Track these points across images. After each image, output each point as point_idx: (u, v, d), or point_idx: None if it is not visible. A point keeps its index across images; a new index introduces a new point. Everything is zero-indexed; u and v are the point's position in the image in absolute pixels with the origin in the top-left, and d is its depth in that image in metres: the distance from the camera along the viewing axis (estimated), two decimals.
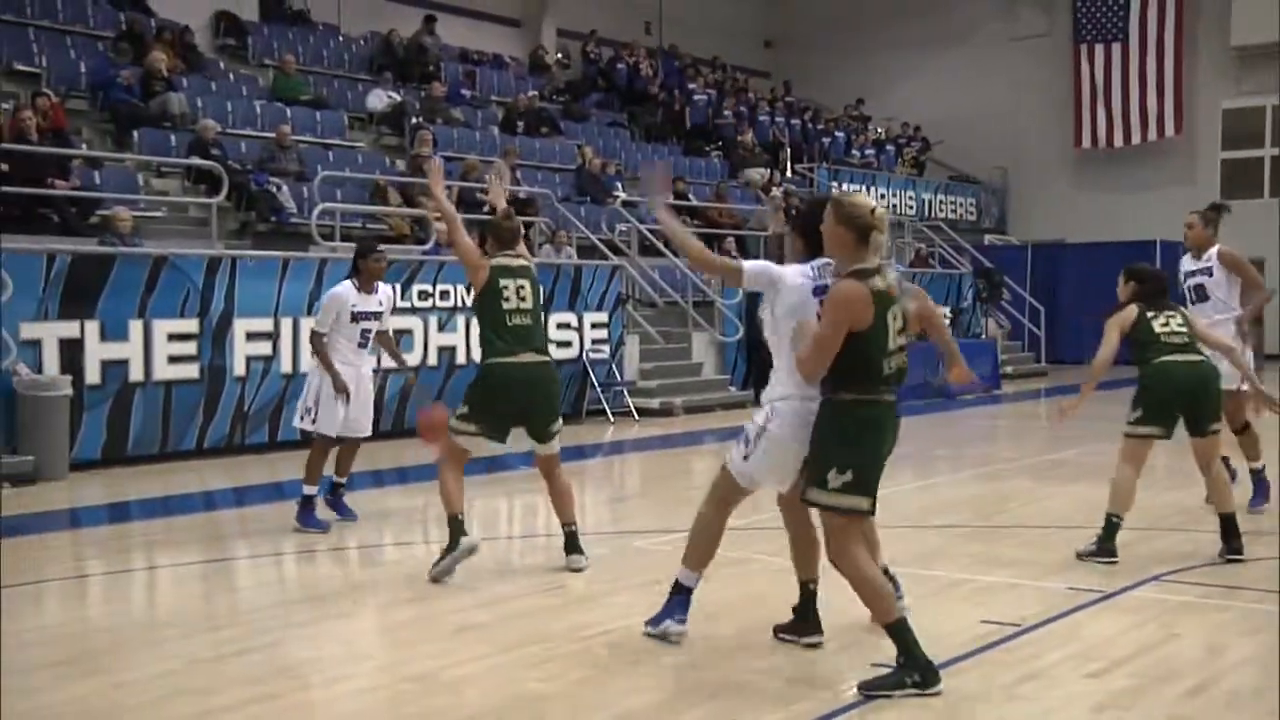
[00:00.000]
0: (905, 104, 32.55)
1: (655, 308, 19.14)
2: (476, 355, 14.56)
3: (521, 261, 7.63)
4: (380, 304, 9.00)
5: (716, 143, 26.97)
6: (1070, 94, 31.61)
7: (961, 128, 31.50)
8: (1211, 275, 9.79)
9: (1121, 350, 7.81)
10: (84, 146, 16.05)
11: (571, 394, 16.19)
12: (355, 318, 8.89)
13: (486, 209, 18.15)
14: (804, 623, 5.81)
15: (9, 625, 6.30)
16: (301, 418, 9.11)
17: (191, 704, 5.01)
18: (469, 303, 7.83)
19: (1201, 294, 9.83)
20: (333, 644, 6.02)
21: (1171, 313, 7.83)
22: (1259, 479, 9.28)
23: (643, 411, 16.56)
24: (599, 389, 16.24)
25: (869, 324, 5.08)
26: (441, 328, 14.67)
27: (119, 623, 6.67)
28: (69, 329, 11.62)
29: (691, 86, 27.77)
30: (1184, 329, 7.77)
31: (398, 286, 9.37)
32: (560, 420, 7.61)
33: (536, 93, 24.22)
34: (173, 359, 12.30)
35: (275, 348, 13.06)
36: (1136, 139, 30.89)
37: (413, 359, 14.18)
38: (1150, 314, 7.76)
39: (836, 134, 29.64)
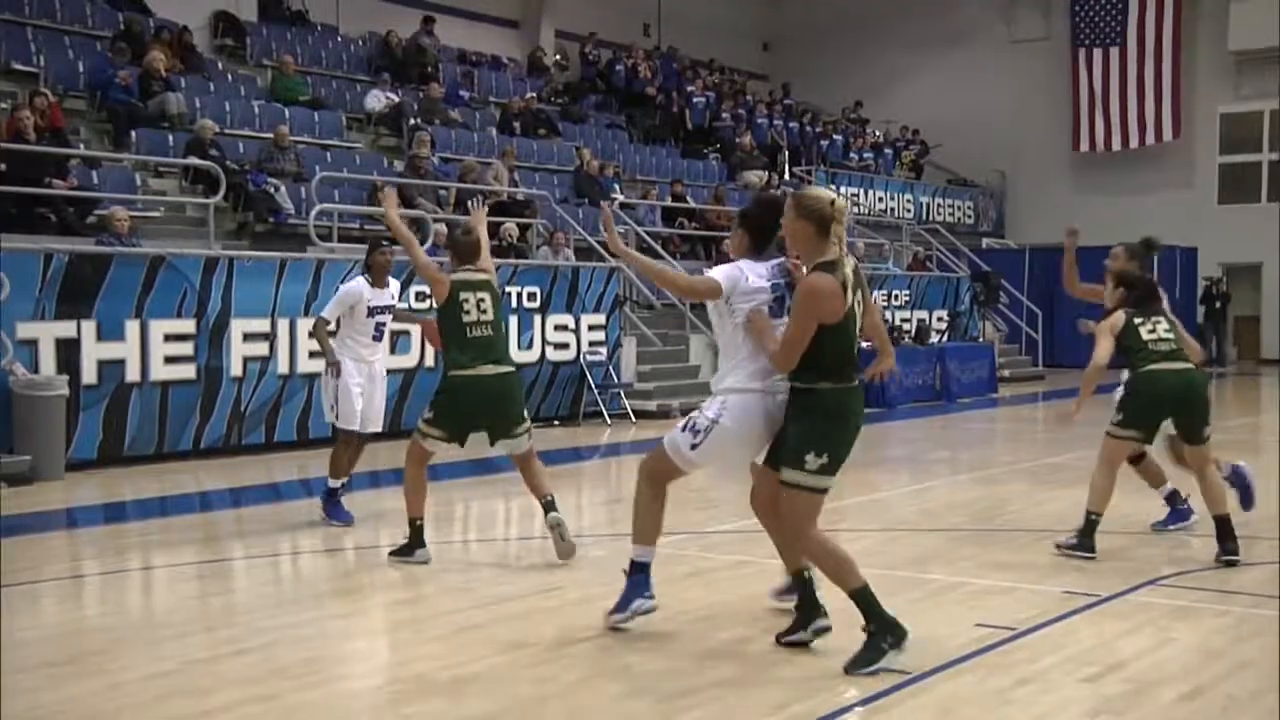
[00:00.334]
0: (904, 107, 32.59)
1: (652, 310, 19.16)
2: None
3: (482, 275, 7.83)
4: (392, 297, 9.21)
5: (715, 145, 26.99)
6: (1068, 98, 31.66)
7: (960, 131, 31.53)
8: None
9: (1117, 355, 7.84)
10: (82, 146, 16.05)
11: (569, 396, 16.21)
12: (370, 312, 9.05)
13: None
14: (810, 611, 5.76)
15: (5, 625, 6.30)
16: (330, 410, 9.20)
17: (188, 704, 5.02)
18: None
19: None
20: (329, 644, 6.02)
21: (1159, 319, 7.87)
22: (1175, 502, 8.72)
23: (640, 413, 16.57)
24: (596, 391, 16.25)
25: (839, 315, 5.29)
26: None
27: (115, 623, 6.67)
28: (66, 329, 11.62)
29: (690, 88, 27.79)
30: (1170, 335, 7.82)
31: (397, 283, 9.43)
32: (527, 421, 7.85)
33: (535, 94, 24.23)
34: (169, 359, 12.30)
35: (272, 348, 13.06)
36: (1135, 143, 30.94)
37: (409, 360, 14.21)
38: (1138, 320, 7.81)
39: (835, 137, 29.67)
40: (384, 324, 9.15)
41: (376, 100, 21.08)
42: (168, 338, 12.29)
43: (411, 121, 20.41)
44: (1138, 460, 8.51)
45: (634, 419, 16.39)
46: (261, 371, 12.98)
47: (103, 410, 11.84)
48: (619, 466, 13.51)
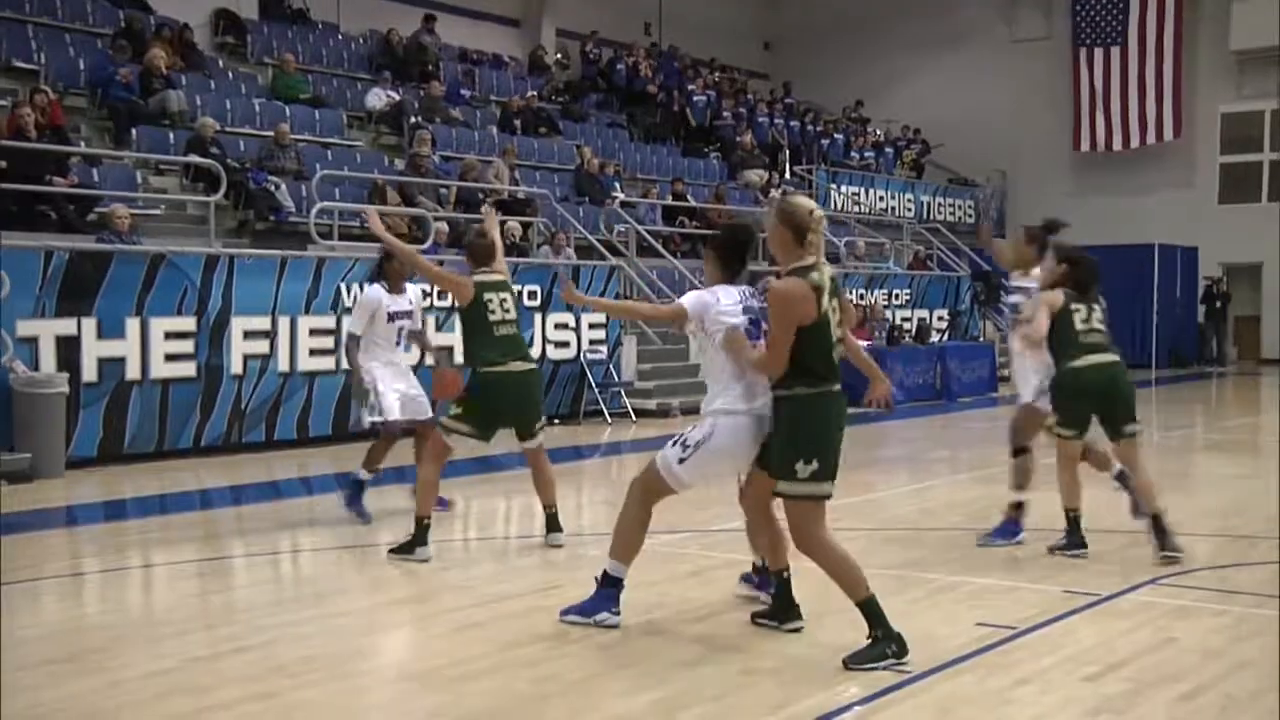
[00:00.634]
0: (904, 106, 32.58)
1: None
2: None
3: (500, 276, 8.08)
4: (410, 302, 9.22)
5: (715, 144, 27.00)
6: (1069, 97, 31.66)
7: (960, 130, 31.51)
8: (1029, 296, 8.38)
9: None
10: (82, 144, 16.05)
11: (569, 395, 16.21)
12: (391, 317, 9.13)
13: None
14: (785, 609, 5.98)
15: (6, 622, 6.30)
16: (370, 411, 9.14)
17: (187, 702, 5.02)
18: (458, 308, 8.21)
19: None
20: (329, 642, 6.02)
21: (1095, 306, 7.72)
22: (1015, 514, 8.32)
23: (640, 412, 16.57)
24: (596, 390, 16.25)
25: (814, 318, 5.37)
26: (440, 327, 14.65)
27: (115, 620, 6.68)
28: (66, 326, 11.62)
29: (691, 87, 27.79)
30: (1101, 326, 7.71)
31: (417, 289, 9.47)
32: (544, 418, 8.21)
33: (535, 93, 24.23)
34: (170, 357, 12.30)
35: (273, 346, 13.06)
36: (1135, 143, 30.94)
37: (410, 357, 14.16)
38: (1074, 306, 7.62)
39: (836, 136, 29.67)
40: (404, 328, 9.22)
41: (377, 99, 21.08)
42: (168, 335, 12.29)
43: (412, 120, 20.41)
44: (1018, 453, 8.34)
45: (634, 418, 16.39)
46: (262, 369, 12.98)
47: (103, 408, 11.85)
48: (619, 465, 13.52)
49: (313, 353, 13.30)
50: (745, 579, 6.61)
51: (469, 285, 7.88)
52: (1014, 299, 8.55)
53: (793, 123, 29.07)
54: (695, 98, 27.43)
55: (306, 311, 13.31)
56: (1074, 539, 7.74)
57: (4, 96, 15.87)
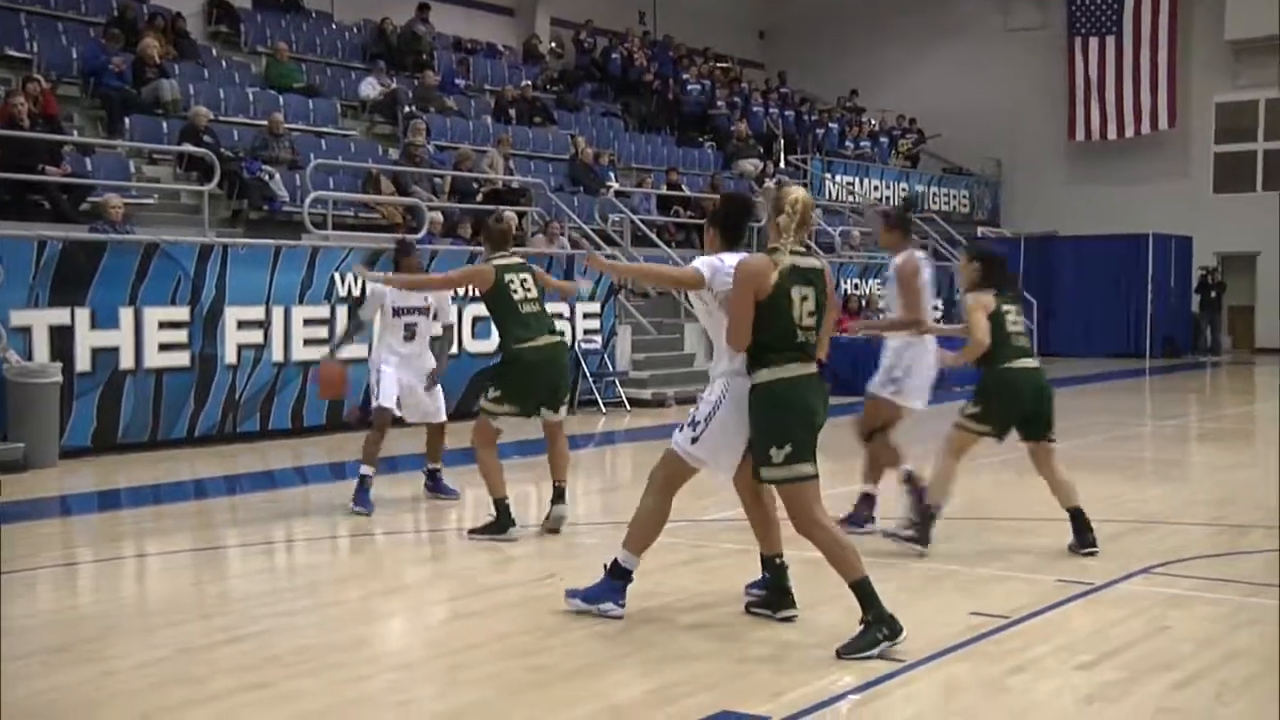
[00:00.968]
0: (899, 96, 32.56)
1: (648, 298, 19.16)
2: (469, 344, 14.72)
3: (517, 259, 8.31)
4: (426, 299, 9.19)
5: (710, 133, 26.96)
6: (1064, 87, 31.65)
7: (955, 120, 31.49)
8: (885, 285, 8.40)
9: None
10: (75, 133, 16.01)
11: None
12: (396, 313, 9.18)
13: (479, 198, 18.16)
14: (779, 597, 6.02)
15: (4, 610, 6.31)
16: (374, 398, 9.24)
17: (181, 692, 5.02)
18: (477, 296, 8.41)
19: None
20: (323, 633, 6.02)
21: (1017, 306, 7.67)
22: (866, 502, 8.24)
23: (635, 402, 16.58)
24: (591, 379, 16.24)
25: (769, 291, 5.47)
26: (434, 317, 14.63)
27: (109, 610, 6.67)
28: (59, 316, 11.60)
29: (685, 77, 27.74)
30: (1023, 329, 7.65)
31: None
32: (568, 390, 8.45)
33: (530, 82, 24.19)
34: (164, 347, 12.28)
35: (267, 336, 13.04)
36: (1130, 132, 30.94)
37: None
38: (1005, 308, 7.53)
39: (830, 125, 29.64)
40: (414, 325, 9.22)
41: (371, 88, 21.03)
42: (162, 325, 12.26)
43: (406, 109, 20.37)
44: (870, 437, 8.17)
45: (629, 407, 16.40)
46: (256, 359, 12.96)
47: (97, 398, 11.83)
48: (614, 455, 13.52)
49: (307, 342, 13.27)
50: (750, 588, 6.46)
51: (487, 271, 8.07)
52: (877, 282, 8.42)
53: (788, 112, 29.05)
54: (690, 87, 27.40)
55: (301, 301, 13.29)
56: (923, 534, 7.46)
57: None
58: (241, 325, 12.84)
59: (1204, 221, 28.80)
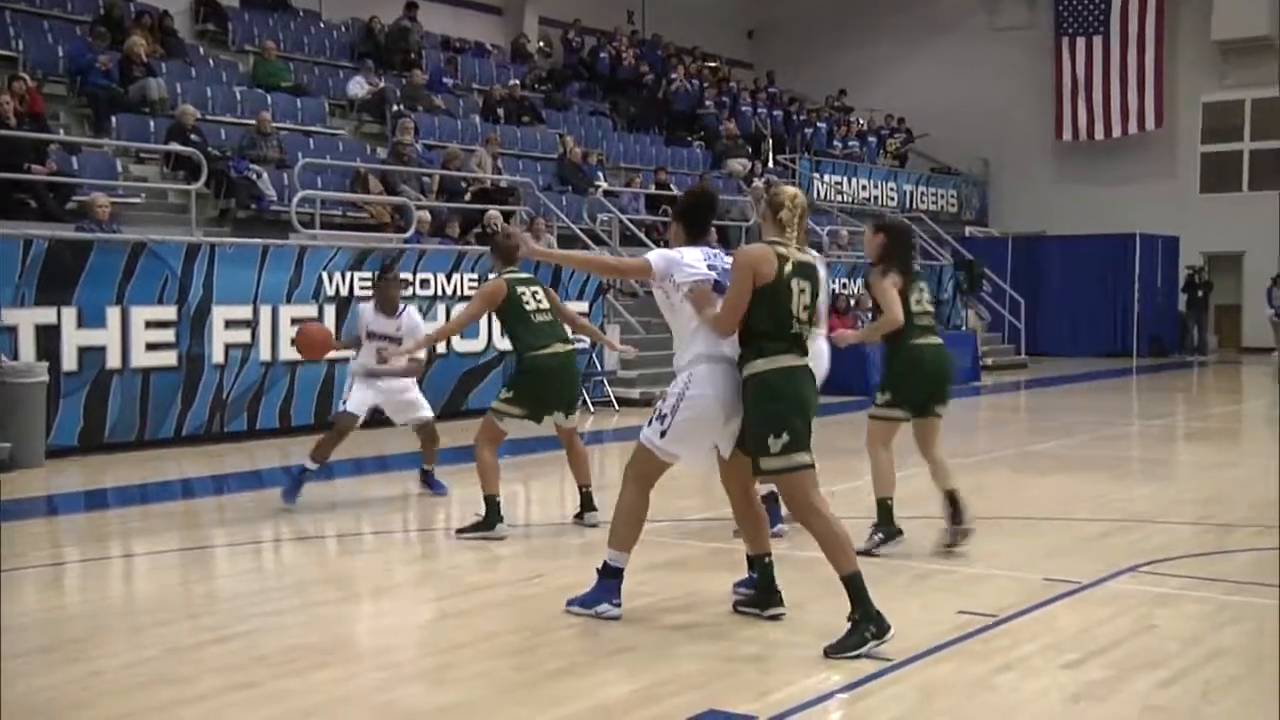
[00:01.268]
0: (888, 95, 32.62)
1: (636, 297, 19.14)
2: (459, 345, 14.71)
3: (526, 274, 8.54)
4: (399, 329, 9.26)
5: (699, 132, 26.97)
6: (1051, 87, 31.73)
7: (944, 119, 31.55)
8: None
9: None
10: (61, 132, 15.96)
11: None
12: (370, 336, 9.31)
13: (467, 197, 18.15)
14: (766, 596, 6.02)
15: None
16: (343, 403, 9.47)
17: (169, 691, 5.01)
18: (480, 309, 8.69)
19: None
20: (310, 632, 6.01)
21: (922, 284, 7.65)
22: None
23: (623, 401, 16.58)
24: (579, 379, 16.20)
25: (771, 278, 5.51)
26: (422, 316, 14.60)
27: (96, 610, 6.65)
28: (46, 315, 11.56)
29: (674, 76, 27.74)
30: (930, 307, 7.63)
31: (417, 319, 9.60)
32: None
33: (518, 81, 24.17)
34: (151, 346, 12.25)
35: (254, 335, 13.02)
36: (1117, 132, 31.02)
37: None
38: (915, 285, 7.49)
39: (819, 125, 29.66)
40: (385, 349, 9.16)
41: (359, 87, 21.00)
42: (149, 324, 12.23)
43: (395, 108, 20.34)
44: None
45: (617, 406, 16.40)
46: (244, 359, 12.94)
47: (83, 397, 11.80)
48: (602, 454, 13.50)
49: (294, 342, 13.23)
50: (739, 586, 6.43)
51: (499, 287, 8.24)
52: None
53: (776, 112, 29.06)
54: (678, 86, 27.38)
55: (288, 301, 13.27)
56: (888, 530, 7.50)
57: None
58: (229, 325, 12.82)
59: (1191, 221, 28.88)
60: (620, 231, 19.61)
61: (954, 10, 32.78)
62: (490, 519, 8.04)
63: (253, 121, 17.43)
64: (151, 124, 16.68)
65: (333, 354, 10.07)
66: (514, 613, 6.23)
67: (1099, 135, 31.25)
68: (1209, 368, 26.09)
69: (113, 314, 11.99)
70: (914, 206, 29.61)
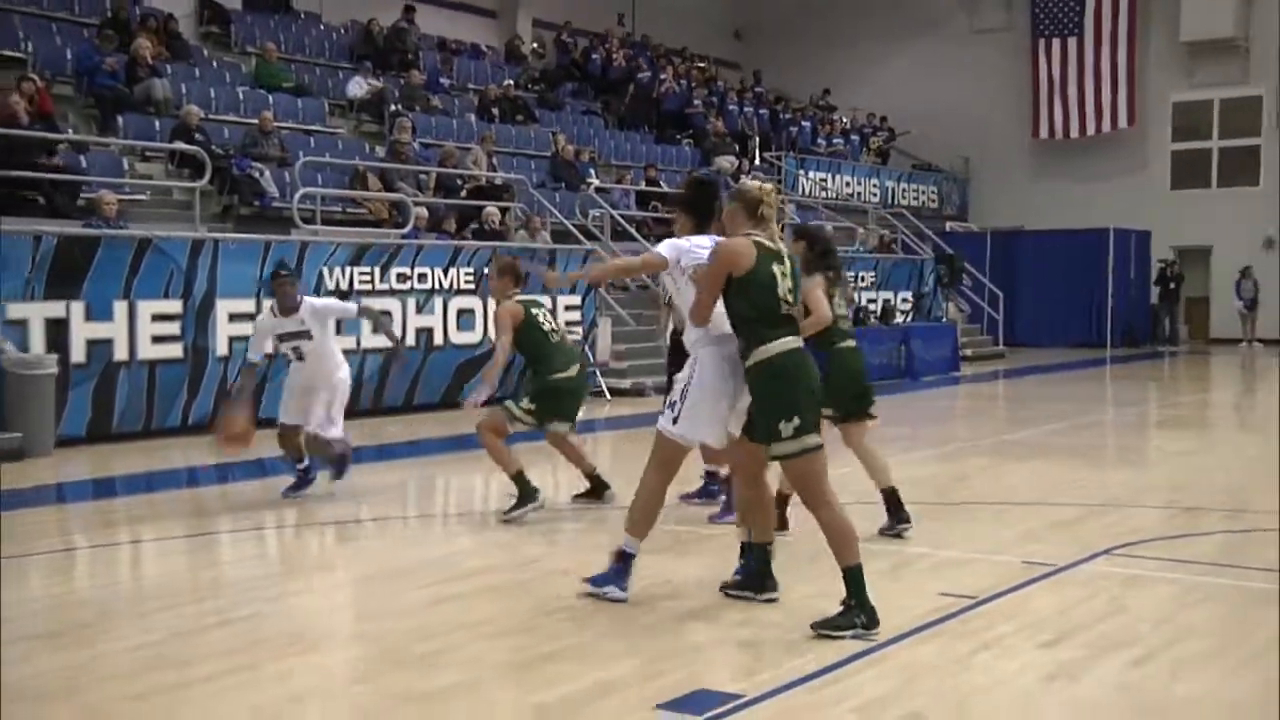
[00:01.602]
0: (871, 94, 32.59)
1: (627, 291, 19.12)
2: (455, 337, 14.69)
3: (534, 296, 8.64)
4: (303, 323, 8.88)
5: (688, 131, 26.92)
6: (1028, 86, 31.73)
7: (925, 118, 31.53)
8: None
9: None
10: (70, 131, 15.88)
11: None
12: (281, 338, 9.02)
13: (463, 194, 18.11)
14: (762, 580, 5.94)
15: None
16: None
17: (173, 674, 4.98)
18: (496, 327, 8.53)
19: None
20: (310, 616, 6.00)
21: (842, 287, 7.52)
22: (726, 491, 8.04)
23: (615, 391, 16.55)
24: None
25: (750, 267, 5.46)
26: (420, 309, 14.60)
27: (103, 595, 6.63)
28: (55, 309, 11.52)
29: (663, 76, 27.69)
30: (846, 311, 7.53)
31: (314, 304, 9.14)
32: None
33: (512, 81, 24.11)
34: (156, 339, 12.21)
35: (257, 328, 12.93)
36: (1091, 130, 31.03)
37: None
38: (832, 290, 7.34)
39: (804, 123, 29.63)
40: (299, 347, 8.93)
41: (358, 87, 20.93)
42: (155, 318, 12.19)
43: (393, 108, 20.27)
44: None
45: (609, 396, 16.37)
46: (246, 351, 12.85)
47: (92, 388, 11.75)
48: (595, 443, 13.48)
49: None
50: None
51: (517, 311, 8.20)
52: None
53: (762, 110, 29.01)
54: (667, 86, 27.33)
55: None
56: (901, 515, 7.47)
57: None
58: (233, 318, 12.77)
59: (1162, 216, 28.92)
60: (612, 227, 19.58)
61: (935, 12, 32.74)
62: (526, 492, 8.08)
63: (255, 121, 17.36)
64: (157, 123, 16.61)
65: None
66: (508, 597, 6.22)
67: (1074, 133, 31.26)
68: (1179, 358, 26.14)
69: (120, 308, 11.95)
70: (896, 202, 29.61)
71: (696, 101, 27.50)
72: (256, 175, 16.20)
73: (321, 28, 23.23)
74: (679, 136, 26.64)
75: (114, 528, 8.52)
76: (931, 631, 5.52)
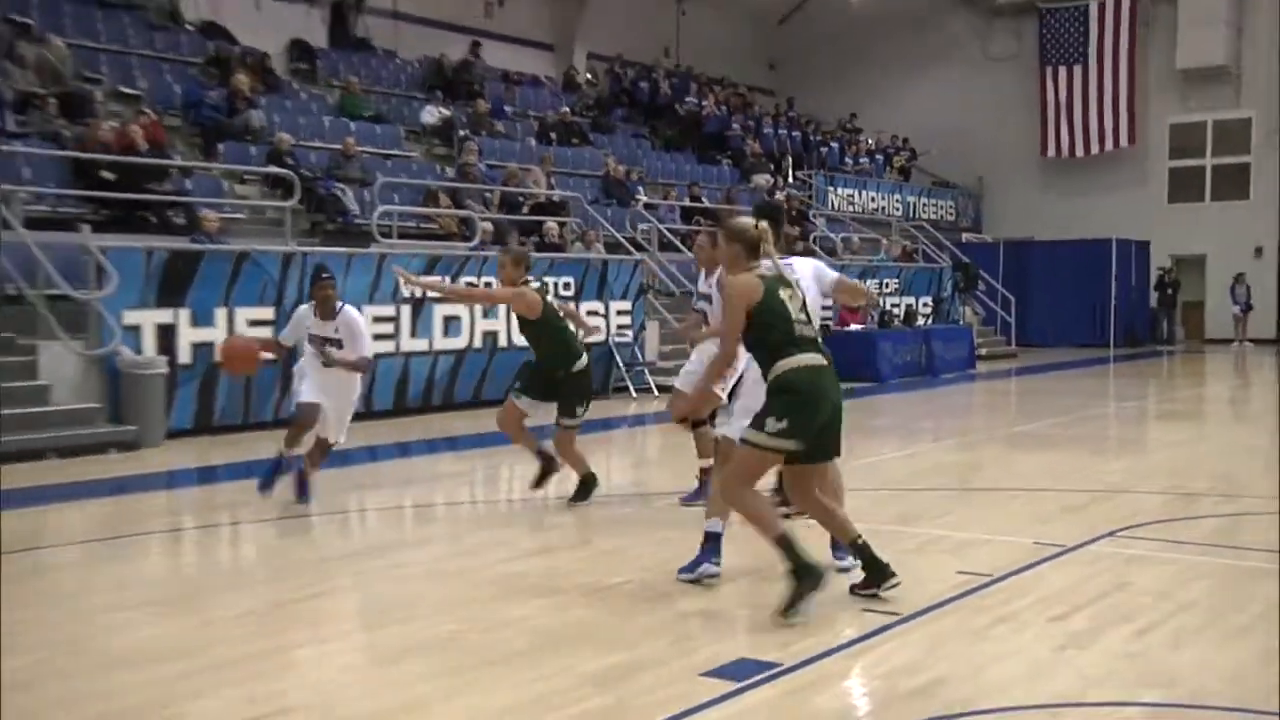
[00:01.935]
0: (893, 117, 32.34)
1: (672, 296, 19.11)
2: (517, 339, 14.72)
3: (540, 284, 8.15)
4: (336, 331, 8.17)
5: (727, 152, 26.86)
6: (1037, 109, 31.38)
7: (943, 138, 31.27)
8: (711, 303, 7.19)
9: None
10: (178, 158, 16.08)
11: (599, 373, 16.15)
12: (310, 339, 8.35)
13: (525, 210, 18.16)
14: (878, 572, 5.55)
15: (114, 570, 6.35)
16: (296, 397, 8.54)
17: (273, 640, 5.04)
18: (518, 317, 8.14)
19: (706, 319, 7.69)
20: (383, 591, 6.04)
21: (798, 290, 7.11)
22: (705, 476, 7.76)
23: (662, 388, 16.52)
24: (623, 368, 16.22)
25: (760, 299, 5.33)
26: (486, 314, 14.65)
27: (207, 569, 6.71)
28: (164, 315, 11.67)
29: (705, 103, 27.64)
30: (808, 318, 7.12)
31: (358, 321, 8.39)
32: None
33: (569, 108, 24.15)
34: None
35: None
36: (1095, 149, 30.67)
37: (459, 342, 14.26)
38: (784, 294, 6.86)
39: (832, 144, 29.48)
40: (328, 353, 8.17)
41: (430, 115, 21.03)
42: (251, 323, 12.30)
43: (461, 133, 20.37)
44: (699, 424, 7.75)
45: (656, 393, 16.36)
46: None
47: (196, 386, 11.89)
48: (644, 435, 13.51)
49: (376, 337, 13.26)
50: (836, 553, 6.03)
51: (534, 297, 7.72)
52: (699, 305, 8.05)
53: (794, 133, 28.89)
54: (708, 112, 27.27)
55: (370, 301, 13.30)
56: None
57: (114, 118, 15.90)
58: None
59: (1160, 228, 28.60)
60: (659, 239, 19.58)
61: (951, 42, 32.46)
62: (587, 484, 7.97)
63: (339, 146, 17.50)
64: (253, 150, 16.78)
65: (266, 355, 8.78)
66: (510, 586, 6.10)
67: (1079, 152, 30.90)
68: (1177, 357, 25.79)
69: (220, 314, 12.08)
70: (917, 216, 29.41)
71: (735, 125, 27.43)
72: (340, 195, 16.32)
73: (397, 62, 23.37)
74: (719, 157, 26.58)
75: (216, 511, 8.63)
76: (952, 606, 5.48)
